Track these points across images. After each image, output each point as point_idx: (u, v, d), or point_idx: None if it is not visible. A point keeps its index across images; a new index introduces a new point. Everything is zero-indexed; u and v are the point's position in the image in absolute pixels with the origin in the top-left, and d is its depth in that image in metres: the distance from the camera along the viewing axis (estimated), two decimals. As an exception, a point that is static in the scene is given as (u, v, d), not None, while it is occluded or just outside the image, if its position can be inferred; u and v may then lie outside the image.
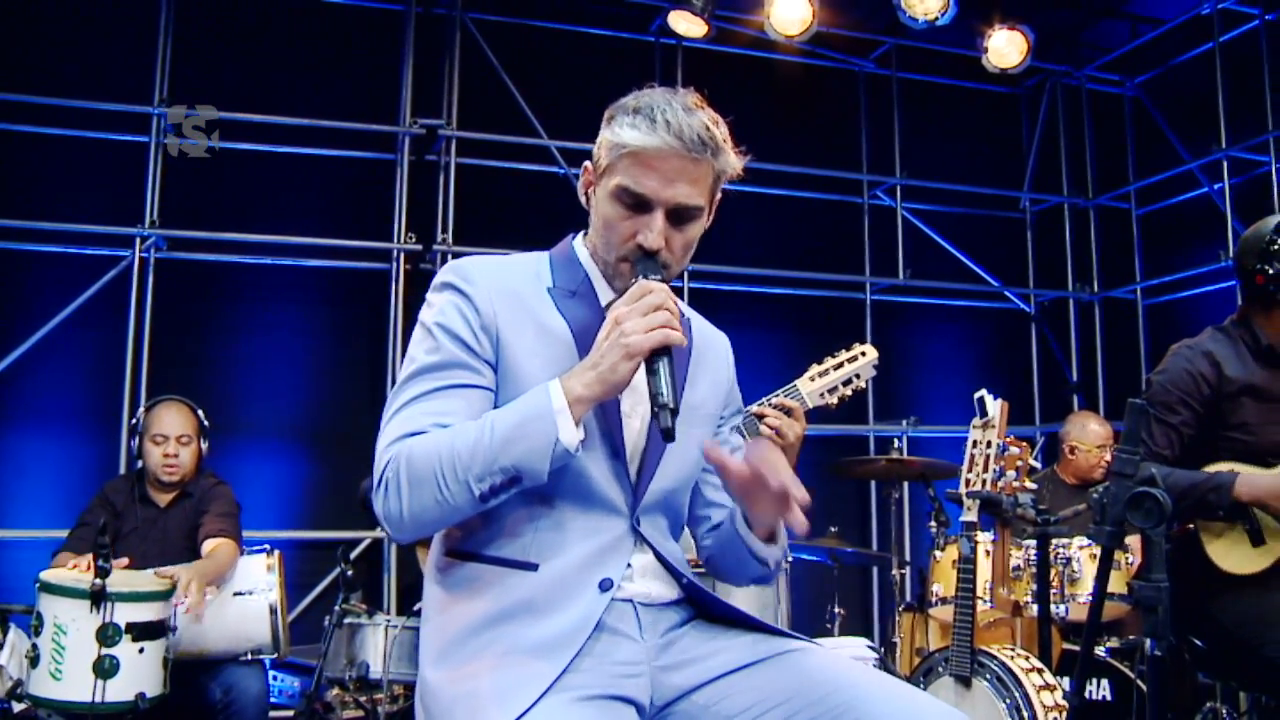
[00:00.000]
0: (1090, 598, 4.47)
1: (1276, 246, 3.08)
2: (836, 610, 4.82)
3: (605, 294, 1.90)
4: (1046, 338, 7.25)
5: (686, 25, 6.01)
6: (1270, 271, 3.07)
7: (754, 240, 6.33)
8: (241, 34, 5.82)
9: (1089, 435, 5.42)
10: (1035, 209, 7.47)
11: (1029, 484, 2.98)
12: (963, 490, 2.96)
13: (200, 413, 4.33)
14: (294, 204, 5.84)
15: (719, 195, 1.91)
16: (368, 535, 5.75)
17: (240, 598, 3.83)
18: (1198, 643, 3.14)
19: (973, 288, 7.21)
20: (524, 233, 6.04)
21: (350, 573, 3.76)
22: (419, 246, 5.92)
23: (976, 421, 3.04)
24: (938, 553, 4.59)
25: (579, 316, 1.85)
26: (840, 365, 3.27)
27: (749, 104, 6.43)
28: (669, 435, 1.65)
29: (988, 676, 2.92)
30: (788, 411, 2.92)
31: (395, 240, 5.91)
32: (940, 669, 3.07)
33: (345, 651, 3.77)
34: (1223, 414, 3.08)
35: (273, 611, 3.81)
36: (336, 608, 3.72)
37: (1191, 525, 3.09)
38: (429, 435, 1.71)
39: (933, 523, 4.73)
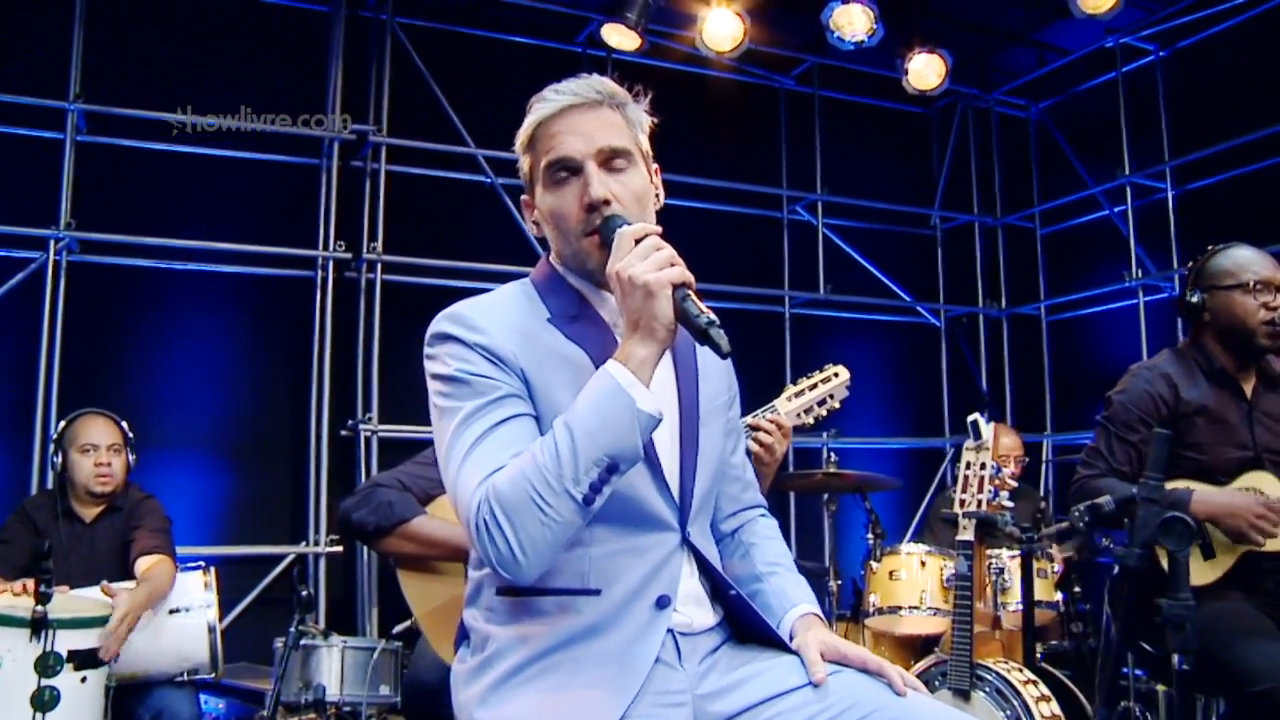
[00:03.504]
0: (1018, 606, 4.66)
1: (1197, 273, 3.30)
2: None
3: (604, 310, 1.87)
4: (962, 352, 7.48)
5: (620, 38, 6.03)
6: (1194, 297, 3.26)
7: (677, 252, 6.29)
8: (162, 30, 5.61)
9: (1000, 448, 5.62)
10: (945, 226, 7.71)
11: (1006, 502, 3.07)
12: (958, 510, 3.04)
13: (124, 425, 4.18)
14: (216, 208, 5.65)
15: (649, 151, 1.89)
16: (291, 550, 5.60)
17: (177, 616, 3.67)
18: (1149, 648, 3.29)
19: (886, 302, 7.39)
20: (452, 242, 6.04)
21: (305, 593, 3.65)
22: (348, 254, 5.79)
23: (969, 444, 3.13)
24: (874, 564, 4.68)
25: (589, 338, 1.82)
26: (815, 386, 3.33)
27: (673, 118, 6.44)
28: (728, 352, 1.63)
29: (986, 690, 3.00)
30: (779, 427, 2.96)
31: (321, 247, 5.77)
32: (937, 683, 3.14)
33: (300, 674, 3.65)
34: (1179, 434, 3.21)
35: (211, 630, 3.67)
36: (291, 630, 3.60)
37: (1149, 540, 3.24)
38: (508, 466, 1.66)
39: (869, 535, 4.83)
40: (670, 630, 1.80)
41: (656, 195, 1.93)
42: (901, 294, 7.42)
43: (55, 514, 3.94)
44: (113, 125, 5.42)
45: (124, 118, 5.40)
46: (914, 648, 4.95)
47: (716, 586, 1.89)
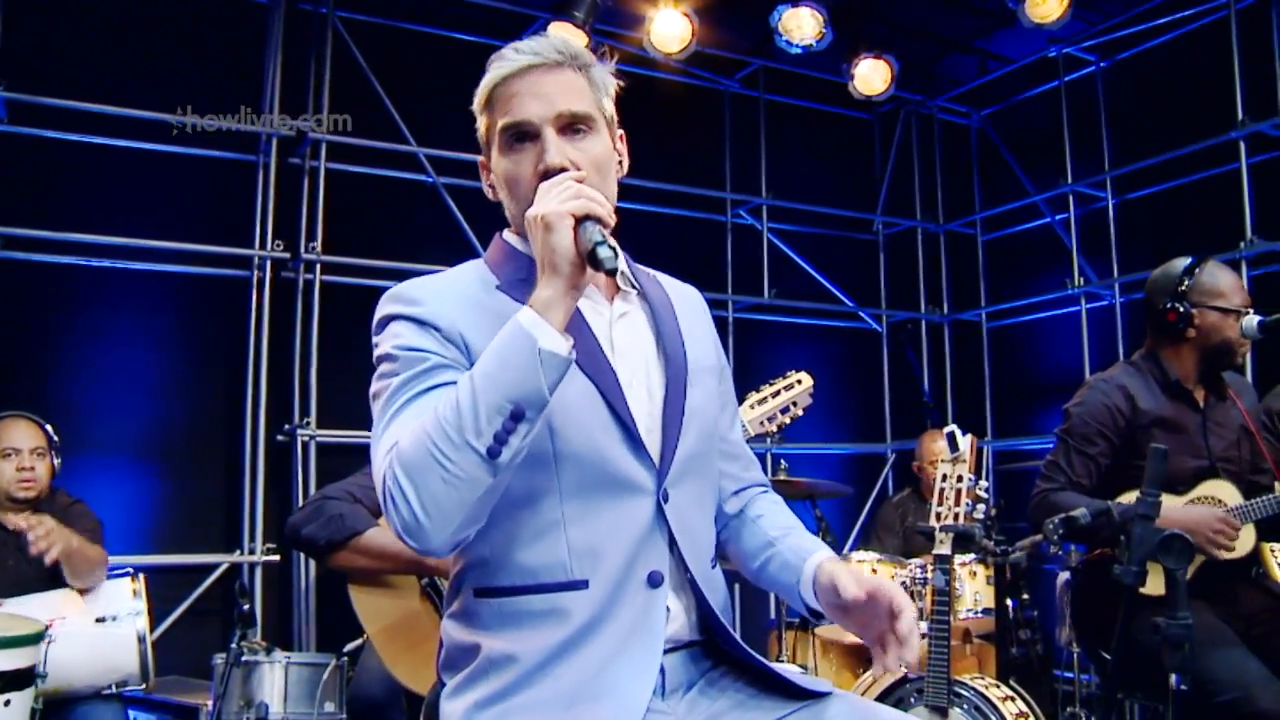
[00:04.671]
0: (969, 613, 4.66)
1: (1185, 287, 3.27)
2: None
3: None
4: (907, 357, 7.50)
5: (567, 37, 5.92)
6: (1181, 310, 3.25)
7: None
8: (93, 16, 5.36)
9: (934, 453, 5.66)
10: (888, 232, 7.73)
11: (977, 514, 3.04)
12: (935, 524, 3.00)
13: (49, 428, 4.01)
14: (148, 204, 5.42)
15: (613, 116, 1.82)
16: (225, 559, 5.41)
17: (104, 625, 3.49)
18: (1107, 657, 3.29)
19: (829, 307, 7.39)
20: (393, 242, 5.89)
21: (246, 607, 3.51)
22: (285, 254, 5.62)
23: (945, 455, 3.09)
24: (824, 572, 4.64)
25: None
26: (778, 393, 3.30)
27: (621, 120, 6.38)
28: (612, 269, 1.52)
29: (964, 706, 2.97)
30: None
31: (258, 246, 5.59)
32: (913, 699, 3.10)
33: (241, 692, 3.51)
34: (1136, 445, 3.25)
35: (140, 640, 3.50)
36: (232, 645, 3.46)
37: (1109, 550, 3.24)
38: (414, 426, 1.56)
39: (820, 542, 4.79)
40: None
41: (620, 162, 1.86)
42: (844, 299, 7.42)
43: None
44: (37, 115, 5.17)
45: (49, 107, 5.15)
46: (862, 655, 4.93)
47: (688, 579, 1.76)
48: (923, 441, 5.91)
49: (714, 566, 1.85)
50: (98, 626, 3.43)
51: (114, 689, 3.49)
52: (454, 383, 1.59)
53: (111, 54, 5.38)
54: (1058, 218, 6.91)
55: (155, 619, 5.15)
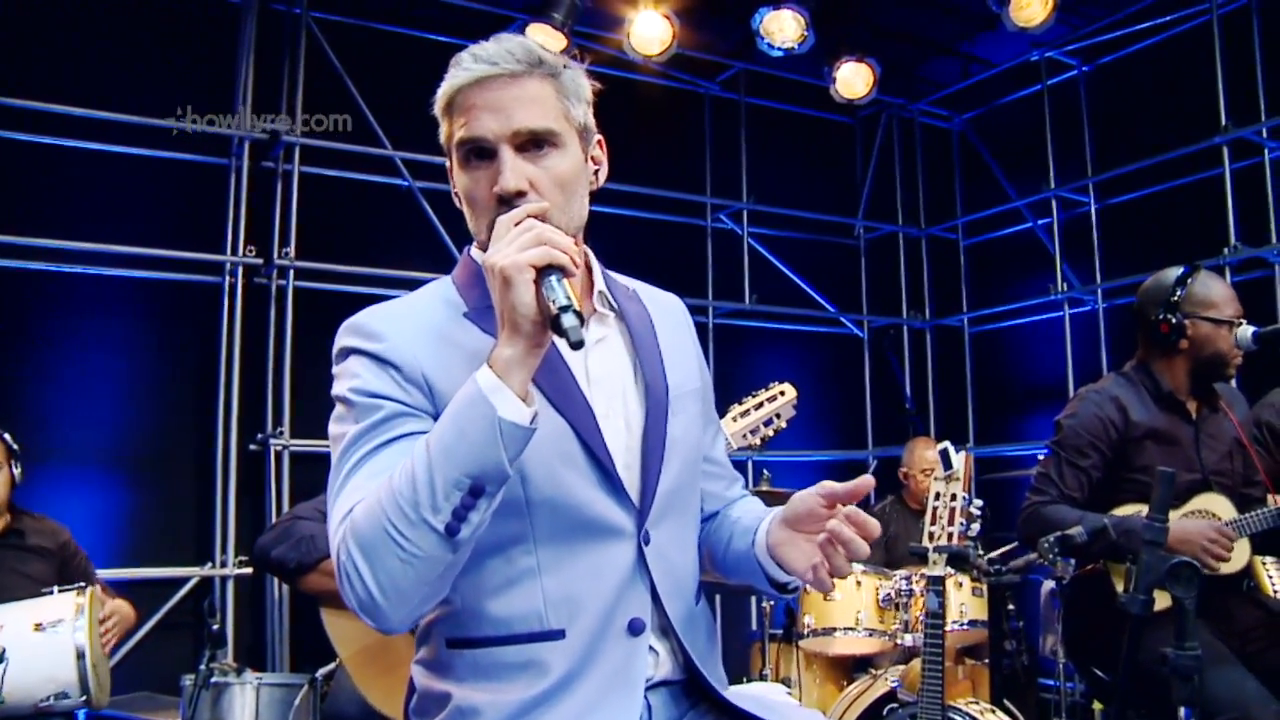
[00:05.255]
0: (955, 625, 4.60)
1: (1177, 298, 3.21)
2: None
3: None
4: (889, 362, 7.44)
5: (544, 39, 5.83)
6: (1174, 321, 3.19)
7: (598, 259, 6.10)
8: (60, 16, 5.22)
9: (925, 461, 5.60)
10: (869, 237, 7.68)
11: (972, 534, 2.97)
12: (928, 544, 2.92)
13: (6, 436, 3.90)
14: (117, 208, 5.28)
15: (587, 123, 1.67)
16: (196, 572, 5.29)
17: (42, 632, 3.30)
18: (1101, 675, 3.23)
19: (809, 313, 7.32)
20: (368, 248, 5.78)
21: (216, 627, 3.40)
22: (259, 260, 5.50)
23: (939, 473, 3.01)
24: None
25: None
26: (760, 405, 3.22)
27: (599, 123, 6.29)
28: (578, 343, 1.36)
29: None
30: None
31: (229, 252, 5.46)
32: None
33: (210, 715, 3.39)
34: (1128, 457, 3.19)
35: (80, 654, 3.31)
36: (201, 666, 3.34)
37: (1100, 564, 3.18)
38: (368, 496, 1.45)
39: (804, 553, 4.71)
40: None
41: (597, 172, 1.72)
42: (825, 304, 7.36)
43: None
44: (2, 118, 5.04)
45: (13, 109, 5.02)
46: (846, 668, 4.87)
47: (671, 622, 1.67)
48: (913, 449, 5.83)
49: (698, 603, 1.77)
50: (35, 634, 3.27)
51: (52, 701, 3.31)
52: (415, 434, 1.51)
53: (78, 56, 5.23)
54: (1040, 223, 6.87)
55: (125, 633, 5.05)
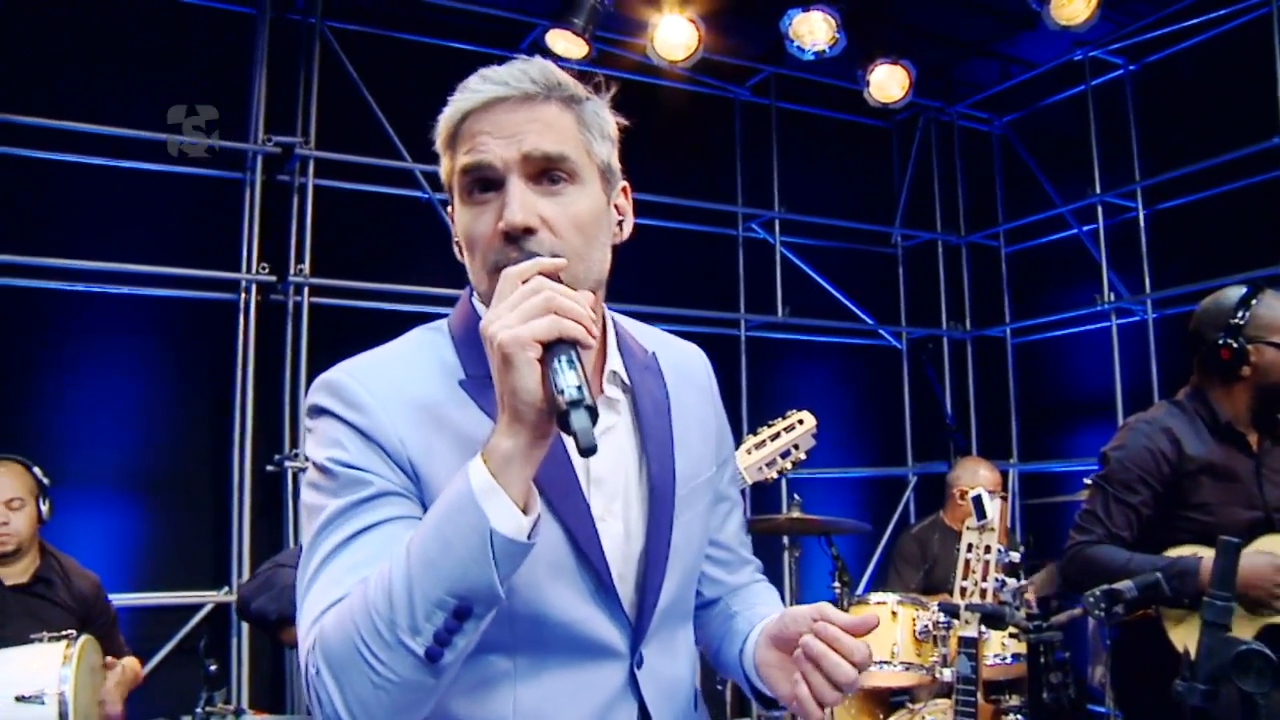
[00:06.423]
0: (997, 659, 4.36)
1: (1240, 320, 2.95)
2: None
3: None
4: (927, 376, 7.18)
5: (566, 45, 5.65)
6: (1235, 346, 2.93)
7: (624, 273, 5.92)
8: (69, 32, 5.10)
9: (979, 481, 5.32)
10: (907, 245, 7.42)
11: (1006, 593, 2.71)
12: (959, 600, 2.69)
13: (37, 470, 3.83)
14: (128, 226, 5.15)
15: (611, 164, 1.46)
16: (212, 597, 5.15)
17: (24, 704, 3.15)
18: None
19: (846, 325, 7.08)
20: (386, 263, 5.62)
21: (213, 668, 3.24)
22: (272, 277, 5.35)
23: (971, 523, 2.78)
24: (840, 614, 4.38)
25: None
26: (778, 435, 3.03)
27: (624, 131, 6.09)
28: (589, 449, 1.14)
29: None
30: None
31: (244, 270, 5.32)
32: None
33: (206, 761, 3.23)
34: (1182, 493, 2.95)
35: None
36: (199, 710, 3.19)
37: (1152, 610, 2.93)
38: (341, 603, 1.25)
39: (836, 583, 4.51)
40: None
41: (620, 222, 1.49)
42: (862, 315, 7.11)
43: None
44: (11, 134, 4.92)
45: (24, 126, 4.90)
46: (883, 700, 4.66)
47: None
48: (959, 467, 5.55)
49: (696, 708, 1.57)
50: (17, 707, 3.13)
51: None
52: (402, 518, 1.31)
53: (89, 70, 5.11)
54: (1085, 229, 6.60)
55: (142, 658, 4.91)
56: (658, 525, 1.46)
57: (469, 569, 1.17)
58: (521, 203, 1.33)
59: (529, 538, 1.20)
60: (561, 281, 1.25)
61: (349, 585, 1.26)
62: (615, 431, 1.49)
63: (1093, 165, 6.42)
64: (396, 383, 1.38)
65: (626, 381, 1.51)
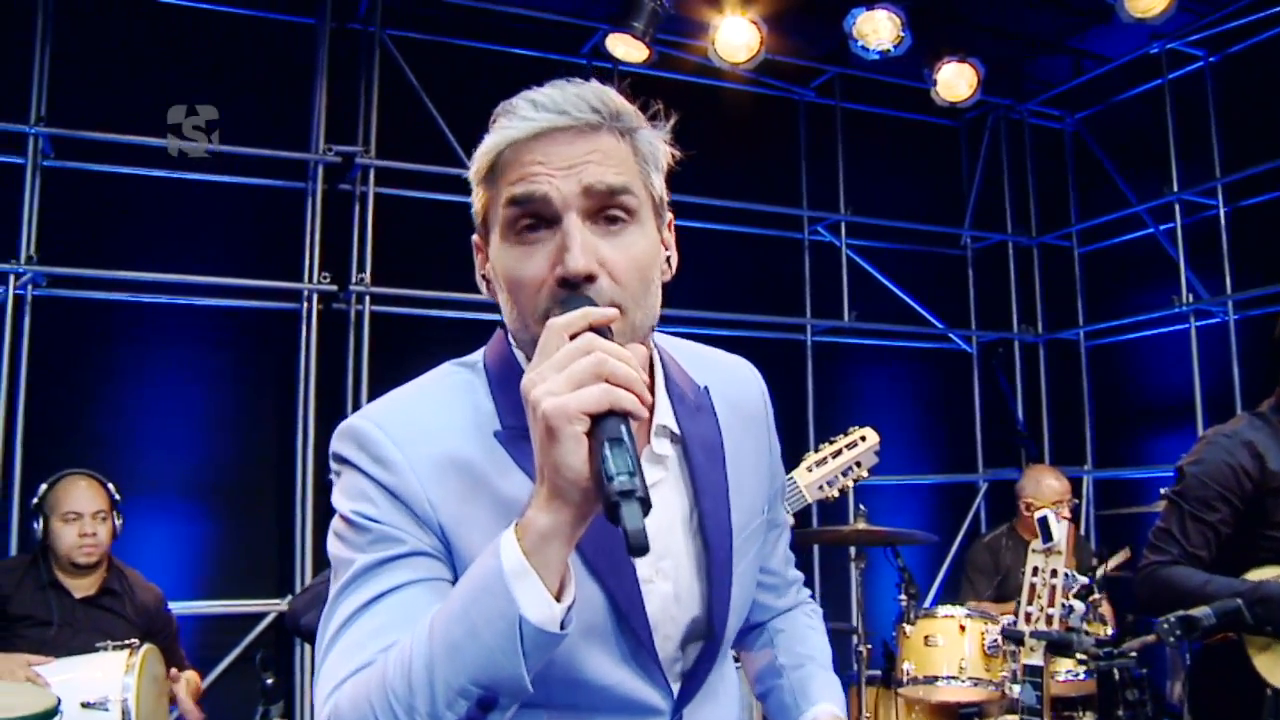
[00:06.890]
0: (1069, 675, 4.23)
1: None
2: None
3: None
4: (997, 381, 7.02)
5: (625, 49, 5.61)
6: (1322, 353, 2.78)
7: (687, 278, 5.85)
8: (134, 47, 5.19)
9: (1045, 491, 5.17)
10: (977, 246, 7.26)
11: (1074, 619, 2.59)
12: (1024, 626, 2.57)
13: (110, 486, 3.93)
14: (193, 237, 5.22)
15: (664, 197, 1.35)
16: (276, 606, 5.19)
17: (89, 711, 3.21)
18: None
19: (914, 329, 6.94)
20: (446, 271, 5.60)
21: (270, 681, 3.24)
22: (333, 286, 5.37)
23: (1037, 545, 2.65)
24: (907, 627, 4.28)
25: None
26: (839, 452, 2.94)
27: (684, 134, 6.03)
28: (640, 549, 1.01)
29: None
30: None
31: (306, 279, 5.35)
32: None
33: (263, 775, 3.23)
34: (1265, 512, 2.79)
35: None
36: (254, 724, 3.19)
37: (1233, 634, 2.78)
38: (358, 676, 1.18)
39: (902, 595, 4.41)
40: None
41: (669, 259, 1.38)
42: (931, 319, 6.97)
43: (39, 585, 3.72)
44: (80, 150, 5.02)
45: (92, 141, 5.00)
46: (952, 715, 4.53)
47: None
48: (1026, 478, 5.40)
49: None
50: (82, 713, 3.19)
51: None
52: (433, 579, 1.23)
53: (153, 84, 5.17)
54: (1162, 228, 6.39)
55: (205, 667, 4.98)
56: (718, 588, 1.37)
57: (495, 658, 1.09)
58: (583, 246, 1.22)
59: (562, 627, 1.12)
60: (612, 333, 1.15)
61: (371, 651, 1.19)
62: (663, 486, 1.38)
63: (1170, 162, 6.21)
64: (428, 434, 1.28)
65: (677, 432, 1.40)
